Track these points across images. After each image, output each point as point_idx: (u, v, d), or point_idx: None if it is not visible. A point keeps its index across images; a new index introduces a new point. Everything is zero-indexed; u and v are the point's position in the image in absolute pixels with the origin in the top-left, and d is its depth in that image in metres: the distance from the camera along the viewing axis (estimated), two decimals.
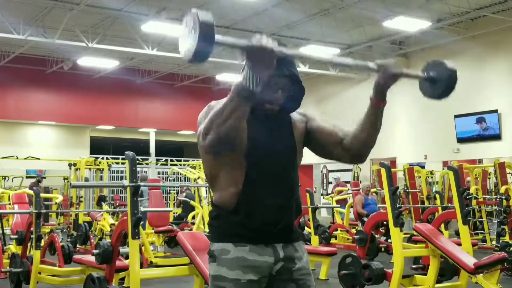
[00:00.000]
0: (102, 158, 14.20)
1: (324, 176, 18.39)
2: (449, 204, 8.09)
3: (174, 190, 13.17)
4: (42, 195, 6.42)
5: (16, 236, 6.14)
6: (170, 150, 21.05)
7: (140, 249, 6.02)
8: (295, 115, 2.04)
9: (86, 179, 12.15)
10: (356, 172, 16.14)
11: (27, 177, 16.92)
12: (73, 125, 17.66)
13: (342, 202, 11.52)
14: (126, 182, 4.29)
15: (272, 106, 1.93)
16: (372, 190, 10.27)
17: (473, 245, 5.64)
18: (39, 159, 14.59)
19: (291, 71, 1.93)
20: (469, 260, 4.93)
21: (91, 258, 4.98)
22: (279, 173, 1.91)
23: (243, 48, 1.74)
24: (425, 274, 5.26)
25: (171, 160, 17.61)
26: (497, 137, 12.89)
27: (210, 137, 1.71)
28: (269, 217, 1.86)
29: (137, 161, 4.66)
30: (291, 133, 1.99)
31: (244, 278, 1.81)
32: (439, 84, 2.09)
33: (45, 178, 14.95)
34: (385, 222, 8.05)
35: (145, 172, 16.63)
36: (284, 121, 2.00)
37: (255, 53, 1.77)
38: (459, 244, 5.33)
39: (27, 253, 5.90)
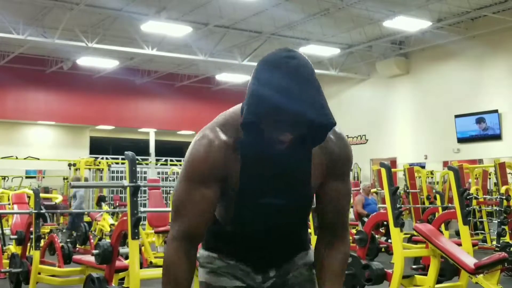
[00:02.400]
0: (102, 158, 14.19)
1: None
2: (450, 204, 8.07)
3: (174, 190, 13.14)
4: (42, 195, 6.41)
5: (15, 236, 6.13)
6: (170, 150, 21.00)
7: (140, 249, 6.01)
8: (317, 154, 1.57)
9: (86, 179, 12.14)
10: (356, 172, 16.13)
11: (26, 177, 16.91)
12: (73, 125, 17.65)
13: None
14: (125, 182, 4.28)
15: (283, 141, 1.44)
16: (372, 190, 10.26)
17: (474, 245, 5.63)
18: (38, 159, 14.58)
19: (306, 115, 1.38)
20: (470, 261, 4.92)
21: (90, 258, 4.96)
22: (276, 226, 1.60)
23: None
24: (425, 275, 5.24)
25: (171, 160, 17.59)
26: (497, 137, 12.89)
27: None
28: (262, 259, 1.67)
29: (137, 161, 4.65)
30: (306, 182, 1.57)
31: (231, 284, 1.66)
32: None
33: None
34: (385, 222, 8.03)
35: (145, 172, 16.64)
36: (298, 158, 1.54)
37: None
38: (460, 244, 5.32)
39: (27, 253, 5.89)
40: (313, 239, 7.22)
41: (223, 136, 1.50)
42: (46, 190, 13.83)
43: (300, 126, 1.39)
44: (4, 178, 15.89)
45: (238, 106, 1.53)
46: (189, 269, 1.52)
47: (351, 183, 1.71)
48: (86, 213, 10.70)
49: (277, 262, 1.68)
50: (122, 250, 5.02)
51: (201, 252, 1.69)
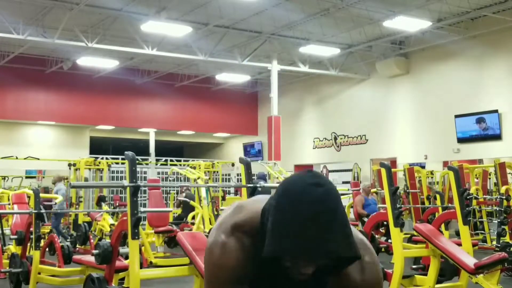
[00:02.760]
0: (102, 158, 14.18)
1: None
2: (450, 204, 8.08)
3: (174, 190, 13.16)
4: (42, 195, 6.41)
5: (15, 236, 6.13)
6: (170, 150, 21.03)
7: (140, 250, 6.01)
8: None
9: (86, 179, 12.14)
10: (356, 172, 16.13)
11: (26, 177, 16.92)
12: (73, 125, 17.65)
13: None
14: (125, 182, 4.28)
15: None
16: (372, 190, 10.26)
17: (474, 245, 5.63)
18: (38, 159, 14.59)
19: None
20: (470, 261, 4.92)
21: (90, 259, 4.97)
22: None
23: None
24: (425, 275, 5.25)
25: (171, 160, 17.59)
26: (497, 137, 12.88)
27: None
28: None
29: (137, 161, 4.65)
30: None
31: None
32: None
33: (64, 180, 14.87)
34: (385, 222, 8.03)
35: (145, 172, 16.64)
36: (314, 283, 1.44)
37: None
38: (460, 244, 5.32)
39: (27, 253, 5.89)
40: None
41: (239, 243, 1.42)
42: (46, 190, 13.82)
43: (325, 260, 1.30)
44: (4, 178, 15.90)
45: (259, 206, 1.44)
46: None
47: None
48: (86, 213, 10.70)
49: None
50: (122, 250, 5.03)
51: None
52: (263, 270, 1.43)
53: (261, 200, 1.46)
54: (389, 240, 7.69)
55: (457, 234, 8.47)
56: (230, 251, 1.41)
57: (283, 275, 1.38)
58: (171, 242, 9.12)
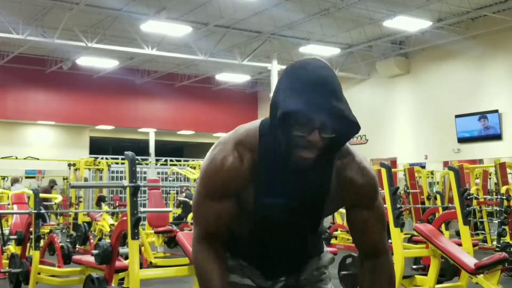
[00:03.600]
0: (102, 158, 14.17)
1: None
2: (450, 204, 8.07)
3: (174, 190, 13.15)
4: (41, 195, 6.40)
5: (15, 237, 6.12)
6: (170, 150, 21.02)
7: (140, 250, 6.00)
8: (338, 178, 1.57)
9: (86, 179, 12.13)
10: None
11: (26, 177, 16.89)
12: (73, 125, 17.65)
13: None
14: (125, 182, 4.27)
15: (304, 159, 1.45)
16: None
17: (474, 245, 5.62)
18: (38, 159, 14.56)
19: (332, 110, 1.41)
20: (470, 261, 4.91)
21: (90, 259, 4.96)
22: (291, 236, 1.64)
23: None
24: (426, 275, 5.24)
25: (171, 160, 17.58)
26: (497, 137, 12.89)
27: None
28: (269, 274, 1.71)
29: (137, 161, 4.64)
30: (320, 206, 1.60)
31: (241, 281, 1.70)
32: None
33: (56, 184, 14.90)
34: None
35: (145, 172, 16.63)
36: (314, 192, 1.57)
37: None
38: (460, 245, 5.32)
39: (26, 253, 5.89)
40: None
41: (239, 153, 1.52)
42: (46, 190, 13.82)
43: (331, 120, 1.41)
44: (3, 178, 15.88)
45: (257, 122, 1.57)
46: (217, 261, 1.57)
47: (383, 205, 1.67)
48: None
49: (287, 271, 1.72)
50: (122, 250, 5.01)
51: None
52: (264, 177, 1.52)
53: (259, 121, 1.58)
54: (389, 240, 7.68)
55: (458, 234, 8.46)
56: (228, 164, 1.50)
57: (283, 180, 1.51)
58: (171, 242, 9.11)
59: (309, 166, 1.45)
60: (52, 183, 14.38)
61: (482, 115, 13.13)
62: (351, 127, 1.44)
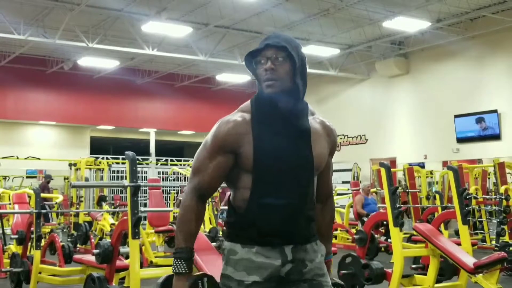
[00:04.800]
0: (102, 158, 14.20)
1: None
2: (449, 204, 8.09)
3: (174, 190, 13.18)
4: (42, 195, 6.43)
5: (16, 236, 6.15)
6: (170, 150, 21.03)
7: (140, 249, 6.03)
8: (316, 126, 1.97)
9: (87, 179, 12.15)
10: (356, 172, 16.14)
11: (27, 177, 16.93)
12: (74, 125, 17.66)
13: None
14: (126, 182, 4.29)
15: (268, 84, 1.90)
16: (372, 190, 10.27)
17: (473, 245, 5.64)
18: (39, 159, 14.59)
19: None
20: (469, 260, 4.93)
21: (91, 258, 4.98)
22: (290, 184, 1.87)
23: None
24: (425, 274, 5.26)
25: (171, 160, 17.60)
26: (496, 137, 12.90)
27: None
28: (277, 225, 1.87)
29: (137, 161, 4.67)
30: (307, 144, 1.92)
31: (248, 280, 1.83)
32: None
33: (52, 179, 14.92)
34: (385, 222, 8.06)
35: (145, 172, 16.65)
36: (301, 129, 1.92)
37: None
38: (459, 244, 5.34)
39: (28, 253, 5.90)
40: None
41: (237, 116, 1.89)
42: (44, 186, 13.84)
43: (272, 58, 1.90)
44: (5, 178, 15.91)
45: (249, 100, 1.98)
46: (199, 214, 1.89)
47: None
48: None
49: (293, 236, 1.90)
50: (122, 249, 5.04)
51: (225, 243, 1.93)
52: (258, 126, 1.87)
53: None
54: (389, 240, 7.71)
55: (457, 233, 8.50)
56: (232, 120, 1.88)
57: (273, 125, 1.87)
58: (172, 241, 9.13)
59: (276, 90, 1.86)
60: (48, 178, 14.39)
61: (480, 116, 13.14)
62: (287, 53, 1.89)
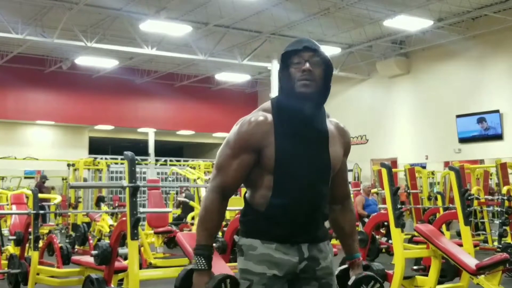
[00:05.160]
0: (101, 158, 14.15)
1: None
2: (451, 205, 8.04)
3: (174, 190, 13.13)
4: (40, 195, 6.37)
5: (14, 237, 6.10)
6: (169, 150, 20.99)
7: (139, 250, 5.98)
8: (331, 128, 2.06)
9: (85, 180, 12.11)
10: (357, 173, 16.10)
11: (25, 178, 16.88)
12: (72, 125, 17.62)
13: None
14: (125, 183, 4.25)
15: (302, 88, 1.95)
16: (372, 190, 10.23)
17: (475, 246, 5.62)
18: (37, 159, 14.54)
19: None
20: (471, 261, 4.89)
21: (89, 259, 4.94)
22: (310, 185, 1.95)
23: None
24: (426, 275, 5.23)
25: (171, 161, 17.56)
26: (498, 137, 12.86)
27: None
28: (296, 223, 1.96)
29: (136, 161, 4.61)
30: (326, 146, 2.00)
31: (270, 272, 1.91)
32: None
33: (48, 179, 14.88)
34: (386, 223, 8.01)
35: (144, 172, 16.61)
36: (321, 132, 2.01)
37: None
38: (461, 245, 5.29)
39: (25, 254, 5.87)
40: None
41: (260, 115, 1.94)
42: (40, 186, 13.78)
43: (311, 62, 1.95)
44: (2, 178, 15.87)
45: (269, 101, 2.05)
46: (221, 212, 1.97)
47: None
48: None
49: (310, 235, 1.98)
50: (121, 250, 5.00)
51: (242, 240, 1.99)
52: (281, 126, 1.93)
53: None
54: (390, 241, 7.66)
55: (458, 234, 8.43)
56: (254, 119, 1.93)
57: (294, 126, 1.94)
58: (171, 242, 9.09)
59: (311, 90, 1.94)
60: (44, 179, 14.34)
61: (481, 116, 13.10)
62: (328, 62, 1.98)
